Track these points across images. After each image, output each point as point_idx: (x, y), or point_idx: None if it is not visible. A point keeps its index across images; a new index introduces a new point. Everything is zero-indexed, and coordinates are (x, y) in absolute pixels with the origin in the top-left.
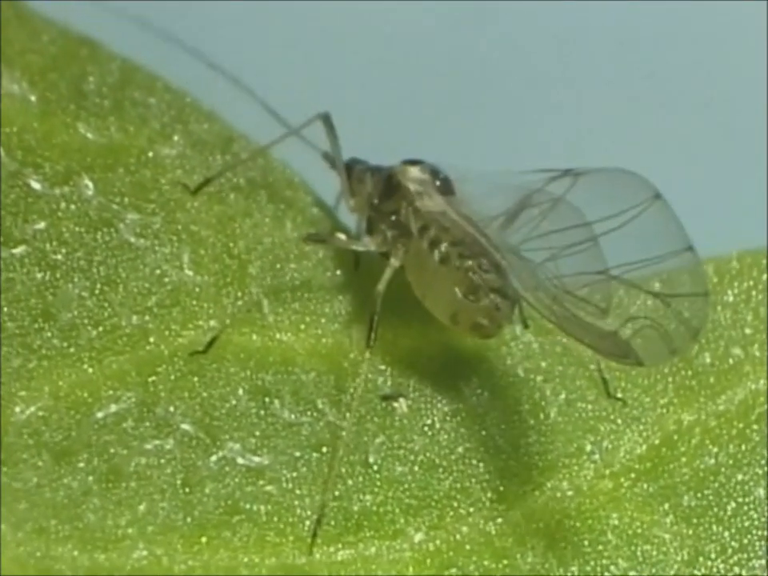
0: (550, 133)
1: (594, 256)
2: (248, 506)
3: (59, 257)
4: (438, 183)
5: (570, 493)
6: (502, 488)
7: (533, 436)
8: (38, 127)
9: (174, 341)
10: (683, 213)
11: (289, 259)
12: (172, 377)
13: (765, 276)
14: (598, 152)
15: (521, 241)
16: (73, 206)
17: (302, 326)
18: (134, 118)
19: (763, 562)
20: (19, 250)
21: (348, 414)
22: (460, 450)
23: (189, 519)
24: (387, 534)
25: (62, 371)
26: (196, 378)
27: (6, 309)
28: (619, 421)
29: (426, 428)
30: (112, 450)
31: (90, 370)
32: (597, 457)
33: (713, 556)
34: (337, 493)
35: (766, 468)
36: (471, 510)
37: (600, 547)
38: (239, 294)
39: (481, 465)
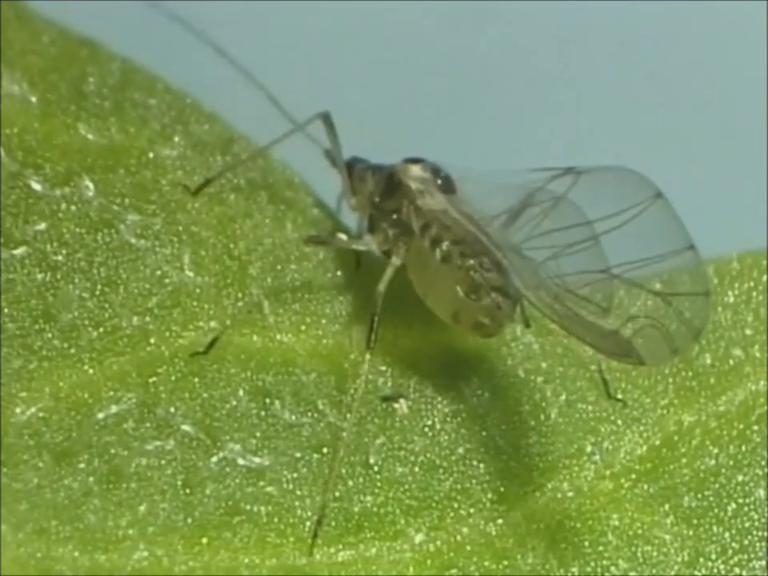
0: (549, 133)
1: (596, 255)
2: (248, 507)
3: (60, 258)
4: (439, 182)
5: (570, 494)
6: (502, 489)
7: (533, 437)
8: (38, 128)
9: (174, 342)
10: (683, 213)
11: (289, 260)
12: (173, 378)
13: (765, 277)
14: (599, 152)
15: (522, 239)
16: (73, 207)
17: (303, 327)
18: (134, 118)
19: (763, 562)
20: (20, 250)
21: (348, 415)
22: (460, 450)
23: (189, 520)
24: (388, 534)
25: (63, 372)
26: (197, 379)
27: (6, 310)
28: (620, 422)
29: (426, 429)
30: (113, 451)
31: (91, 371)
32: (597, 458)
33: (713, 557)
34: (337, 494)
35: (766, 469)
36: (472, 510)
37: (600, 548)
38: (240, 294)
39: (481, 466)
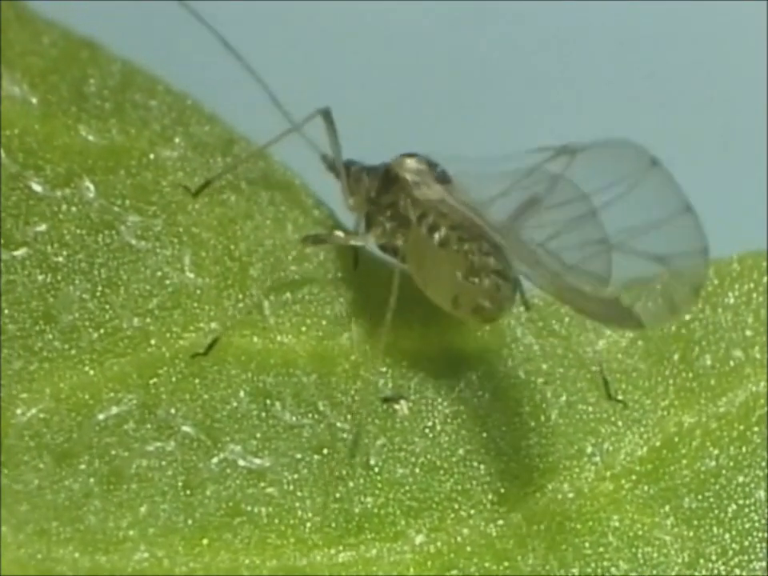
0: (549, 133)
1: (594, 228)
2: (249, 508)
3: (60, 259)
4: (434, 173)
5: (570, 495)
6: (502, 490)
7: (534, 438)
8: (39, 129)
9: (175, 343)
10: None
11: (290, 261)
12: (173, 379)
13: (765, 278)
14: None
15: (521, 221)
16: (74, 208)
17: (303, 328)
18: (135, 120)
19: (764, 563)
20: (20, 252)
21: (349, 416)
22: (461, 451)
23: (190, 521)
24: (388, 535)
25: (63, 373)
26: (197, 380)
27: (7, 311)
28: (620, 423)
29: (426, 430)
30: (113, 452)
31: (91, 372)
32: (597, 459)
33: (713, 558)
34: (338, 495)
35: (766, 470)
36: (472, 511)
37: (601, 549)
38: (240, 296)
39: (482, 467)
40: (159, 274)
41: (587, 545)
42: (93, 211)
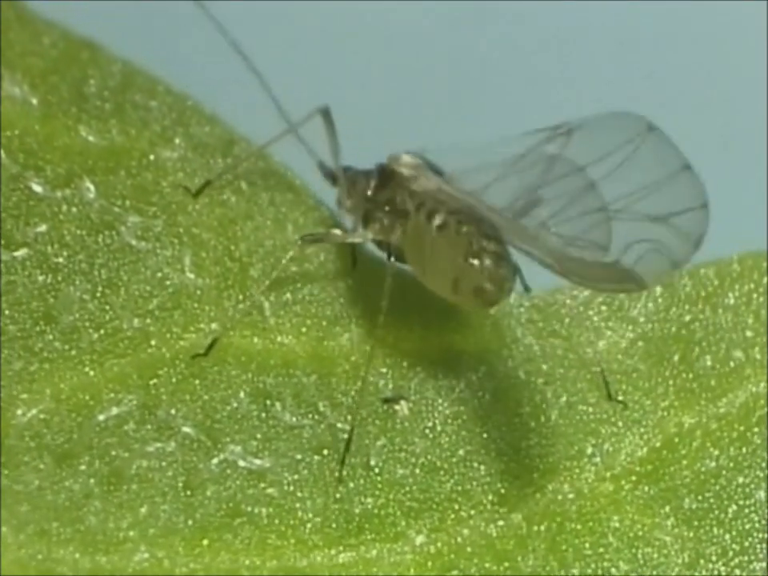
0: None
1: (593, 199)
2: (249, 509)
3: (60, 260)
4: (429, 166)
5: (570, 495)
6: (503, 490)
7: (534, 439)
8: (39, 130)
9: (175, 344)
10: None
11: (290, 262)
12: (173, 379)
13: (765, 279)
14: None
15: (521, 203)
16: (74, 209)
17: (304, 329)
18: (135, 120)
19: (764, 564)
20: (20, 252)
21: (349, 417)
22: (461, 452)
23: (190, 522)
24: (388, 536)
25: (64, 374)
26: (197, 381)
27: (7, 312)
28: (620, 423)
29: (427, 430)
30: (113, 453)
31: (92, 373)
32: (598, 459)
33: (714, 558)
34: (338, 495)
35: (766, 471)
36: (472, 512)
37: (601, 550)
38: (240, 296)
39: (482, 467)
40: (159, 274)
41: (587, 545)
42: (93, 212)
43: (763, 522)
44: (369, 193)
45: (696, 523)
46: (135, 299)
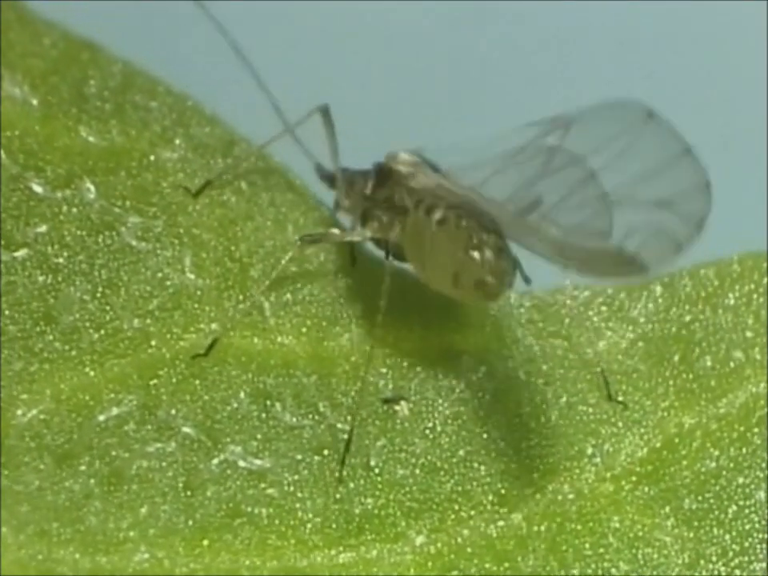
0: None
1: (594, 188)
2: (249, 509)
3: (61, 260)
4: (426, 164)
5: (571, 496)
6: (503, 491)
7: (534, 439)
8: (39, 130)
9: (175, 344)
10: None
11: (290, 262)
12: (173, 380)
13: (766, 279)
14: None
15: (521, 195)
16: (74, 210)
17: (304, 329)
18: (135, 121)
19: (764, 564)
20: (21, 253)
21: (349, 417)
22: (461, 452)
23: (190, 522)
24: (389, 536)
25: (64, 374)
26: (197, 381)
27: (7, 312)
28: (620, 424)
29: (427, 431)
30: (113, 453)
31: (92, 373)
32: (598, 460)
33: (714, 559)
34: (338, 496)
35: (766, 471)
36: (472, 512)
37: (601, 550)
38: (241, 297)
39: (482, 468)
40: (160, 275)
41: (587, 546)
42: (93, 212)
43: (763, 522)
44: (367, 191)
45: (696, 524)
46: (135, 299)
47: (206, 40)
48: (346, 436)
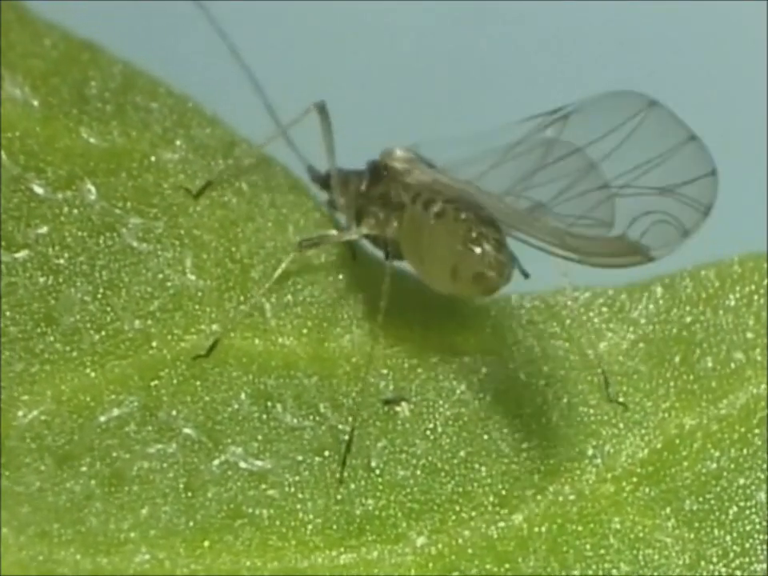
0: None
1: (595, 178)
2: (250, 510)
3: (62, 261)
4: (421, 160)
5: (571, 497)
6: (504, 492)
7: (535, 440)
8: (40, 132)
9: (176, 345)
10: None
11: (291, 263)
12: (174, 381)
13: (766, 280)
14: None
15: (520, 188)
16: (75, 211)
17: (305, 331)
18: (136, 122)
19: (764, 565)
20: (21, 254)
21: (350, 418)
22: (462, 454)
23: (191, 523)
24: (389, 537)
25: (65, 375)
26: (198, 382)
27: (8, 313)
28: (621, 425)
29: (428, 432)
30: (114, 454)
31: (93, 374)
32: (599, 461)
33: (714, 560)
34: (339, 497)
35: (767, 472)
36: (473, 513)
37: (602, 551)
38: (242, 298)
39: (483, 469)
40: (160, 276)
41: (588, 547)
42: (94, 213)
43: (764, 523)
44: (362, 188)
45: (697, 525)
46: (136, 301)
47: (206, 41)
48: (346, 437)
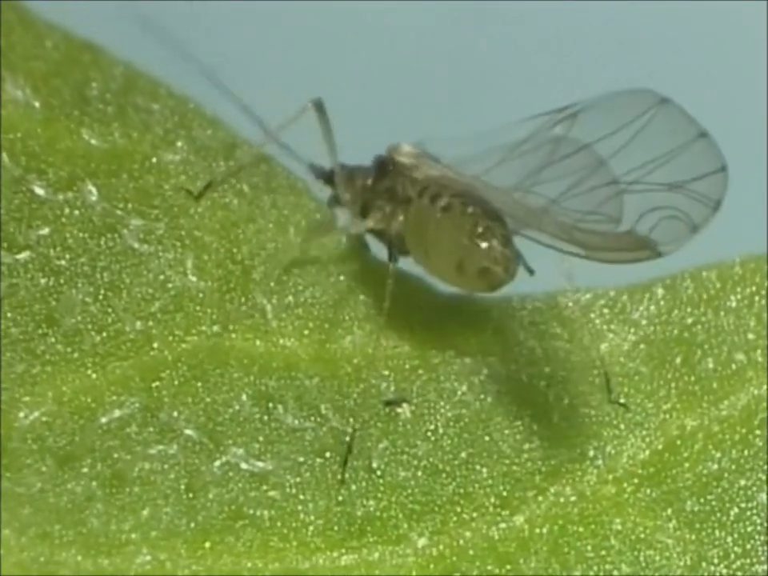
0: None
1: (603, 174)
2: (251, 511)
3: (63, 262)
4: (428, 156)
5: (573, 498)
6: (505, 493)
7: (536, 441)
8: (41, 133)
9: (177, 346)
10: None
11: (292, 265)
12: (175, 382)
13: (767, 281)
14: None
15: (527, 184)
16: (76, 212)
17: (306, 332)
18: (137, 123)
19: (765, 566)
20: (23, 255)
21: (351, 420)
22: (463, 455)
23: (192, 524)
24: (391, 539)
25: (66, 376)
26: (199, 384)
27: (9, 314)
28: (622, 426)
29: (429, 433)
30: (116, 455)
31: (94, 376)
32: (600, 462)
33: (715, 561)
34: (340, 498)
35: None
36: (474, 515)
37: (603, 552)
38: (243, 299)
39: (484, 470)
40: (162, 277)
41: (589, 548)
42: (95, 215)
43: (765, 524)
44: (368, 182)
45: (698, 526)
46: (137, 302)
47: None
48: (348, 438)
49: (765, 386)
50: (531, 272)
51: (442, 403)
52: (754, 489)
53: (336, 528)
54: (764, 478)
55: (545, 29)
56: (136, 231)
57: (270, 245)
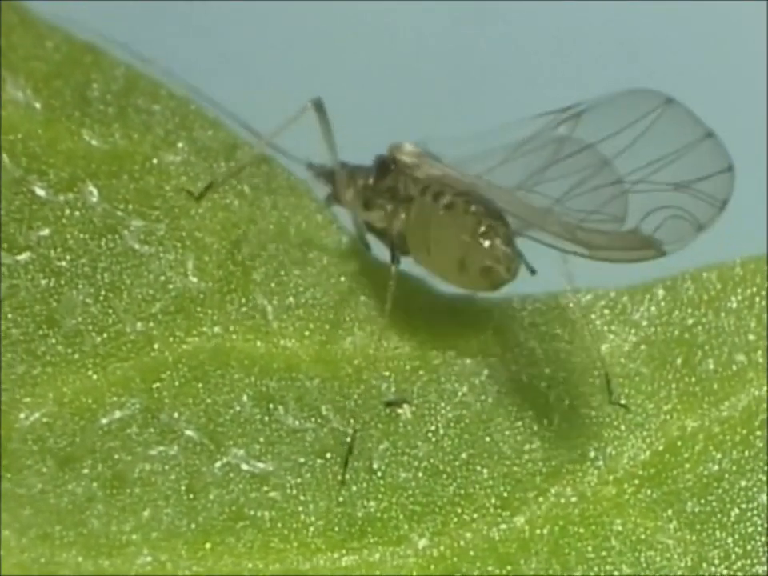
0: None
1: (607, 173)
2: (252, 512)
3: (63, 263)
4: (429, 155)
5: (573, 499)
6: (505, 494)
7: (536, 442)
8: (42, 134)
9: (178, 347)
10: None
11: (293, 266)
12: (176, 383)
13: None
14: None
15: (531, 183)
16: (77, 213)
17: (306, 333)
18: (138, 124)
19: (766, 567)
20: (23, 256)
21: (352, 420)
22: (464, 456)
23: (193, 525)
24: (391, 539)
25: (67, 377)
26: (200, 385)
27: (10, 315)
28: (623, 427)
29: (429, 434)
30: (116, 456)
31: (95, 377)
32: (600, 463)
33: (716, 562)
34: (341, 499)
35: None
36: (475, 515)
37: (604, 553)
38: (243, 300)
39: (485, 471)
40: (162, 278)
41: (590, 549)
42: (96, 216)
43: (765, 525)
44: (370, 181)
45: (698, 526)
46: (138, 303)
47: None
48: (348, 439)
49: (765, 387)
50: (533, 272)
51: (442, 404)
52: (755, 490)
53: (337, 529)
54: (764, 479)
55: (545, 29)
56: (137, 232)
57: (271, 246)
